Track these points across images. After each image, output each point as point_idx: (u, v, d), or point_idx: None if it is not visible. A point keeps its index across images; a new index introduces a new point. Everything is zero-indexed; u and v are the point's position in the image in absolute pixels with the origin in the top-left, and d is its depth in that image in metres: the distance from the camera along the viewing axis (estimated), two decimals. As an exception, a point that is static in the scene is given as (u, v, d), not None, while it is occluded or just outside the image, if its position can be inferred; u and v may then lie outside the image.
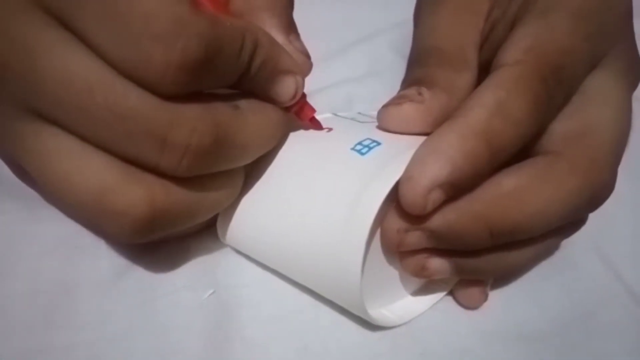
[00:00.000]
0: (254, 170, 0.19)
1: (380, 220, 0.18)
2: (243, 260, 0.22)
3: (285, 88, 0.19)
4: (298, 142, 0.21)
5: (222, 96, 0.17)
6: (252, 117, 0.18)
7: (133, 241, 0.19)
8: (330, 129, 0.21)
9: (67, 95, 0.15)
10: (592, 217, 0.21)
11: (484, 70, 0.20)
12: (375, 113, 0.21)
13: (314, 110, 0.21)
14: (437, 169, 0.16)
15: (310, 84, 0.27)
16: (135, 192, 0.16)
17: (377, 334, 0.20)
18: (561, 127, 0.19)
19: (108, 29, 0.14)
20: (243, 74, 0.17)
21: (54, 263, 0.21)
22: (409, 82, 0.21)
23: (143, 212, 0.16)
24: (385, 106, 0.20)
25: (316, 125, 0.21)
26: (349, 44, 0.30)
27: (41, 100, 0.15)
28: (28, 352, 0.19)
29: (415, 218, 0.17)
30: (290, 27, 0.19)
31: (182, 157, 0.16)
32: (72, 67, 0.14)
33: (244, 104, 0.18)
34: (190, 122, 0.16)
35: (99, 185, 0.16)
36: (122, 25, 0.14)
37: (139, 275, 0.21)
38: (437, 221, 0.17)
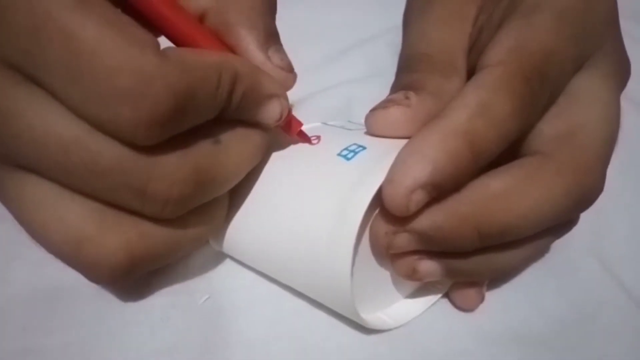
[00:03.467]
0: (247, 182, 0.20)
1: (368, 224, 0.18)
2: (239, 268, 0.22)
3: (270, 112, 0.18)
4: (287, 150, 0.21)
5: (201, 129, 0.17)
6: (233, 148, 0.18)
7: (112, 285, 0.20)
8: (318, 137, 0.21)
9: (44, 155, 0.15)
10: (590, 219, 0.20)
11: (472, 74, 0.20)
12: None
13: (300, 124, 0.21)
14: (418, 170, 0.16)
15: (309, 86, 0.28)
16: (111, 242, 0.16)
17: (376, 336, 0.20)
18: (548, 127, 0.18)
19: (74, 86, 0.14)
20: (224, 108, 0.17)
21: (54, 270, 0.21)
22: (397, 87, 0.21)
23: (119, 261, 0.16)
24: (372, 110, 0.20)
25: (304, 138, 0.21)
26: (347, 46, 0.30)
27: (18, 158, 0.15)
28: (22, 352, 0.19)
29: (403, 220, 0.17)
30: (269, 40, 0.19)
31: (164, 207, 0.16)
32: (45, 128, 0.14)
33: (224, 135, 0.18)
34: (169, 174, 0.16)
35: (75, 236, 0.16)
36: (87, 82, 0.14)
37: (135, 279, 0.21)
38: (423, 222, 0.17)
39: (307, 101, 0.27)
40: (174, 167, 0.16)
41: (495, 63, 0.17)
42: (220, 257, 0.22)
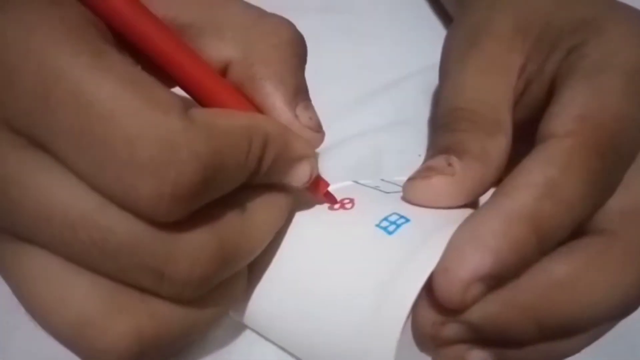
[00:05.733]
0: (269, 247, 0.18)
1: (412, 307, 0.16)
2: (260, 341, 0.20)
3: (300, 175, 0.17)
4: (318, 216, 0.19)
5: (225, 196, 0.15)
6: (259, 215, 0.16)
7: None
8: (351, 201, 0.19)
9: (46, 229, 0.13)
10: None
11: (518, 130, 0.18)
12: (400, 179, 0.19)
13: (327, 185, 0.19)
14: (478, 261, 0.14)
15: (335, 134, 0.26)
16: (119, 326, 0.14)
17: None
18: (616, 202, 0.16)
19: (86, 153, 0.12)
20: (252, 174, 0.15)
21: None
22: (436, 149, 0.19)
23: (128, 348, 0.14)
24: (411, 179, 0.18)
25: (330, 199, 0.19)
26: (375, 89, 0.28)
27: (17, 230, 0.14)
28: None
29: (453, 309, 0.15)
30: (297, 97, 0.17)
31: (184, 288, 0.14)
32: (49, 199, 0.13)
33: (250, 202, 0.16)
34: (192, 253, 0.14)
35: (78, 318, 0.14)
36: (101, 150, 0.12)
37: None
38: (477, 313, 0.15)
39: (332, 151, 0.25)
40: (197, 244, 0.14)
41: (563, 134, 0.15)
42: (240, 328, 0.20)
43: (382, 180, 0.22)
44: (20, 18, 0.12)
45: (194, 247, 0.14)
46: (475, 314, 0.15)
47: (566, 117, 0.16)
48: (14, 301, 0.19)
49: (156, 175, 0.12)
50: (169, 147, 0.12)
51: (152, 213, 0.13)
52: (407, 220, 0.17)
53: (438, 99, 0.21)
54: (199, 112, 0.14)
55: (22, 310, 0.19)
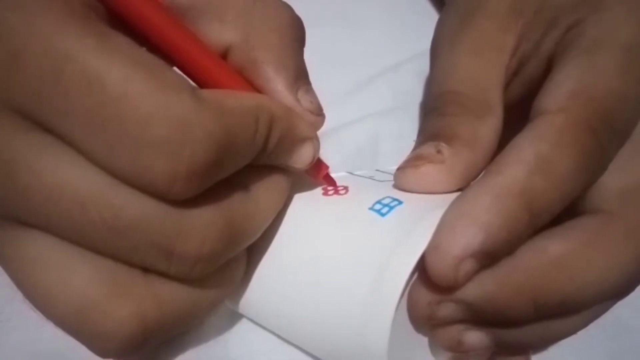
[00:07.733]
0: (264, 233, 0.18)
1: (407, 288, 0.16)
2: (256, 328, 0.20)
3: (303, 157, 0.17)
4: (312, 201, 0.19)
5: (231, 176, 0.15)
6: (262, 196, 0.16)
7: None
8: (345, 188, 0.19)
9: (55, 211, 0.13)
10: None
11: (513, 109, 0.18)
12: (395, 169, 0.19)
13: (327, 167, 0.19)
14: (469, 237, 0.14)
15: (332, 121, 0.26)
16: (121, 310, 0.14)
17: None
18: (614, 181, 0.16)
19: (98, 135, 0.12)
20: (259, 153, 0.15)
21: (54, 331, 0.18)
22: (425, 135, 0.18)
23: (131, 331, 0.14)
24: (401, 168, 0.18)
25: (330, 181, 0.19)
26: (372, 75, 0.28)
27: (21, 214, 0.13)
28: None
29: (448, 288, 0.15)
30: (299, 80, 0.17)
31: (193, 266, 0.14)
32: (57, 180, 0.13)
33: (252, 181, 0.16)
34: (202, 231, 0.14)
35: (80, 302, 0.14)
36: (114, 131, 0.12)
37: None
38: (473, 292, 0.15)
39: (329, 138, 0.24)
40: (207, 222, 0.14)
41: (555, 110, 0.15)
42: (236, 316, 0.20)
43: (377, 170, 0.22)
44: (23, 3, 0.12)
45: (203, 224, 0.14)
46: (471, 292, 0.15)
47: (559, 93, 0.16)
48: (6, 292, 0.19)
49: (171, 154, 0.12)
50: (183, 126, 0.12)
51: (166, 191, 0.13)
52: (400, 202, 0.17)
53: (429, 81, 0.21)
54: (208, 93, 0.14)
55: (16, 300, 0.19)
